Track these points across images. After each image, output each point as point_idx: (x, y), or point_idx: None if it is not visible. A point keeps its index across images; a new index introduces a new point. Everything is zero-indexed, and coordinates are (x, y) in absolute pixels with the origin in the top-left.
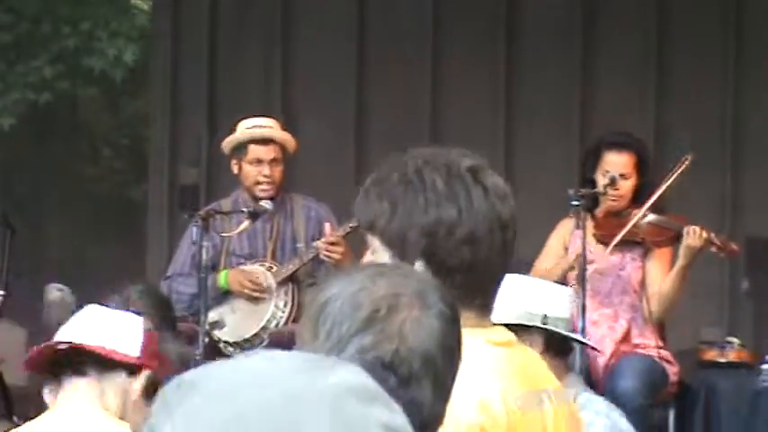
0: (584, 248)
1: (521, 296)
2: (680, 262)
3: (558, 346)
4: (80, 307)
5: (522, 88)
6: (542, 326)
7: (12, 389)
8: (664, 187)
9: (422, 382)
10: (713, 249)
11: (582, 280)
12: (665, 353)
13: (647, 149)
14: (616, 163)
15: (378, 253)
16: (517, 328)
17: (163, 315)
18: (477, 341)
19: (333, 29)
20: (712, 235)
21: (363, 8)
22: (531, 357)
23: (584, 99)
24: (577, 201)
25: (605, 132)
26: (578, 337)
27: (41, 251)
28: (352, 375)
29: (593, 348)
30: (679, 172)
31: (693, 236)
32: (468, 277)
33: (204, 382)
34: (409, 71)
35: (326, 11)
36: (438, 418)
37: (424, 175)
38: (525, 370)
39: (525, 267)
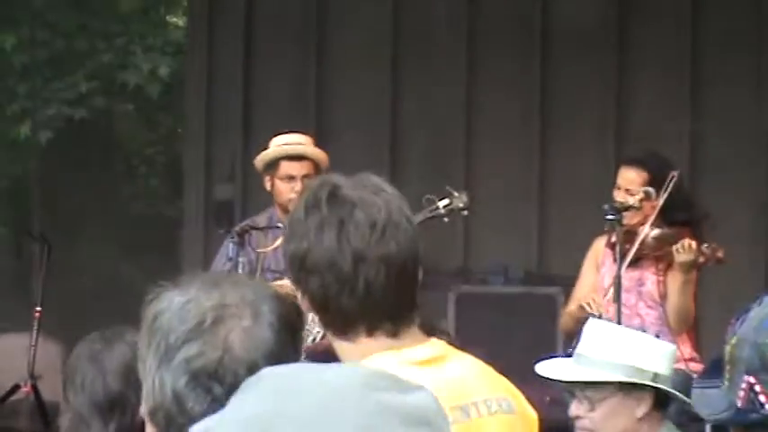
0: (619, 265)
1: (629, 351)
2: (678, 277)
3: (660, 403)
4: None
5: (557, 99)
6: (654, 385)
7: (48, 404)
8: (659, 206)
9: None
10: (701, 260)
11: (618, 297)
12: (695, 366)
13: (663, 169)
14: (626, 179)
15: None
16: (625, 384)
17: None
18: (389, 362)
19: (367, 45)
20: (703, 246)
21: (397, 24)
22: (462, 370)
23: (621, 109)
24: (612, 215)
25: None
26: (685, 398)
27: (77, 267)
28: (413, 400)
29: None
30: (668, 191)
31: (682, 252)
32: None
33: (266, 379)
34: (443, 84)
35: (361, 27)
36: None
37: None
38: (450, 385)
39: (562, 281)
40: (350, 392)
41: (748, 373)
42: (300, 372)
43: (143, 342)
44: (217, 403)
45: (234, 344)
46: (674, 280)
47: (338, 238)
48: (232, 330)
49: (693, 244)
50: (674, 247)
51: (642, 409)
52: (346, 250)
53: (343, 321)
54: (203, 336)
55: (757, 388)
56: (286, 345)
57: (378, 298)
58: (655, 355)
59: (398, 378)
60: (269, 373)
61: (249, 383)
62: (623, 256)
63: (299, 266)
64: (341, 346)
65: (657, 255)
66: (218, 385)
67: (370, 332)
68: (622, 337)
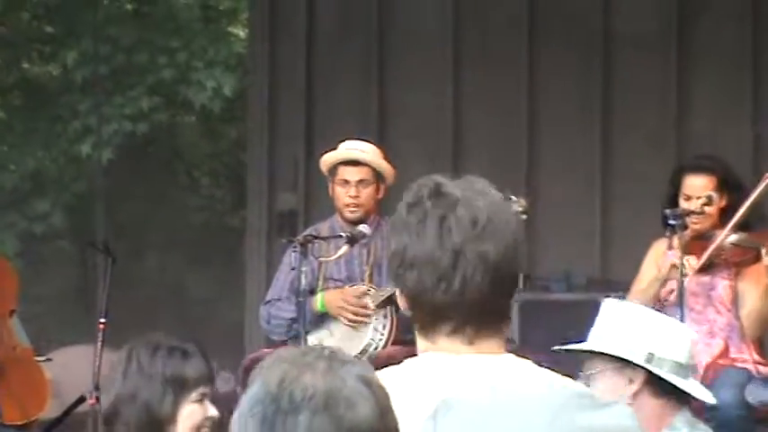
0: (681, 266)
1: (631, 328)
2: (764, 281)
3: (660, 388)
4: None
5: (617, 104)
6: (641, 365)
7: None
8: (747, 205)
9: (298, 416)
10: None
11: (680, 297)
12: (764, 369)
13: (730, 170)
14: (696, 186)
15: None
16: (620, 360)
17: None
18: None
19: (428, 55)
20: None
21: (458, 33)
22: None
23: (680, 112)
24: (674, 220)
25: (689, 156)
26: (685, 385)
27: (141, 279)
28: (609, 418)
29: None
30: (762, 187)
31: None
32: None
33: (459, 406)
34: (505, 93)
35: (422, 36)
36: None
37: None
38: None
39: (620, 287)
40: (546, 416)
41: None
42: (491, 397)
43: None
44: (266, 426)
45: (301, 377)
46: (757, 284)
47: (439, 232)
48: (306, 367)
49: None
50: (763, 250)
51: (632, 387)
52: (447, 244)
53: (432, 318)
54: (281, 365)
55: None
56: (359, 394)
57: (470, 297)
58: (658, 335)
59: (592, 395)
60: (457, 401)
61: (439, 411)
62: (699, 263)
63: (399, 262)
64: (421, 346)
65: (737, 261)
66: (272, 405)
67: (451, 334)
68: (635, 316)
